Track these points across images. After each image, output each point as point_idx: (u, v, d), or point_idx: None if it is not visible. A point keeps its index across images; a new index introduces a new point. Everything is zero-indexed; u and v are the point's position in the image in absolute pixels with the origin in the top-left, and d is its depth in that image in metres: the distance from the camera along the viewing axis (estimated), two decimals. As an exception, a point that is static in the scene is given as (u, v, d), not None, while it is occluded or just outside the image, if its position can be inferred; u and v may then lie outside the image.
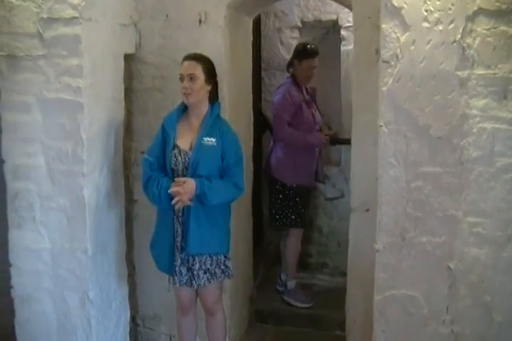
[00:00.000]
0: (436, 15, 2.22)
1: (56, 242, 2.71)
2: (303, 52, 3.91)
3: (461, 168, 2.23)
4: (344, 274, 3.12)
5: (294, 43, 4.84)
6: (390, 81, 2.31)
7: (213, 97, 2.79)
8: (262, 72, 4.80)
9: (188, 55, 2.69)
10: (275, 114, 3.87)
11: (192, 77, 2.63)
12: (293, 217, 3.87)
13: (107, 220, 2.82)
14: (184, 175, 2.64)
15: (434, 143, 2.26)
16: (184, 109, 2.77)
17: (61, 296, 2.74)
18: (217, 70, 2.96)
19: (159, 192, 2.61)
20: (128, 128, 3.14)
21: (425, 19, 2.24)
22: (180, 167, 2.65)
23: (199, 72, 2.65)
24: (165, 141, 2.70)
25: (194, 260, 2.68)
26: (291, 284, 3.89)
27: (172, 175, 2.66)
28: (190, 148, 2.67)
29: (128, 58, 3.06)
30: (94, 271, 2.72)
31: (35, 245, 2.73)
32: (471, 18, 2.18)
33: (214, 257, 2.72)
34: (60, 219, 2.68)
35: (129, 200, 3.15)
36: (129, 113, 3.13)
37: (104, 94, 2.77)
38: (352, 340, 3.07)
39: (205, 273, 2.69)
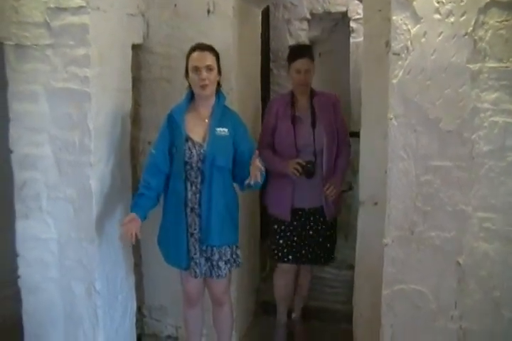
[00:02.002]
0: (448, 7, 2.19)
1: (63, 232, 2.71)
2: (288, 55, 3.23)
3: (472, 162, 2.20)
4: (351, 267, 3.12)
5: (303, 35, 4.83)
6: (401, 73, 2.28)
7: (219, 87, 2.77)
8: (271, 64, 4.78)
9: (198, 46, 2.66)
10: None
11: (209, 68, 2.61)
12: (271, 247, 3.30)
13: (114, 210, 2.82)
14: (198, 168, 2.62)
15: (444, 137, 2.23)
16: (189, 101, 2.74)
17: (68, 286, 2.75)
18: (226, 61, 2.95)
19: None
20: (135, 118, 3.13)
21: (437, 11, 2.20)
22: (195, 159, 2.62)
23: (214, 62, 2.64)
24: (172, 133, 2.68)
25: (213, 250, 2.68)
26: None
27: (185, 167, 2.63)
28: (204, 140, 2.64)
29: (136, 48, 3.05)
30: (101, 261, 2.72)
31: (42, 235, 2.74)
32: (484, 10, 2.14)
33: (232, 247, 2.74)
34: (67, 209, 2.68)
35: (136, 190, 3.14)
36: (136, 103, 3.12)
37: (111, 84, 2.76)
38: (359, 334, 3.07)
39: (226, 263, 2.70)
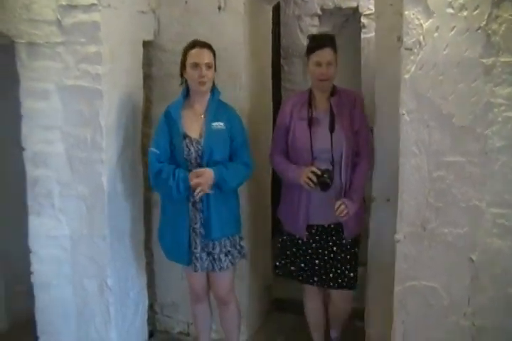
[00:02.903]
0: (460, 1, 2.16)
1: (75, 229, 2.73)
2: (308, 45, 2.80)
3: (485, 157, 2.18)
4: (363, 264, 3.10)
5: (314, 31, 4.80)
6: (413, 68, 2.26)
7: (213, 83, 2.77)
8: (282, 60, 4.76)
9: (197, 43, 2.66)
10: None
11: (209, 66, 2.63)
12: (277, 263, 2.96)
13: (126, 207, 2.83)
14: (198, 163, 2.63)
15: (457, 132, 2.21)
16: (185, 98, 2.74)
17: (80, 283, 2.77)
18: (236, 58, 2.97)
19: (177, 184, 2.58)
20: (146, 115, 3.13)
21: (449, 5, 2.18)
22: (193, 156, 2.64)
23: (212, 60, 2.66)
24: (170, 131, 2.67)
25: (214, 244, 2.69)
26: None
27: (185, 164, 2.64)
28: (200, 136, 2.65)
29: (147, 45, 3.05)
30: (113, 259, 2.74)
31: (54, 232, 2.76)
32: (497, 3, 2.11)
33: (231, 238, 2.74)
34: (79, 206, 2.70)
35: (148, 188, 3.14)
36: (147, 100, 3.12)
37: (122, 81, 2.77)
38: (371, 330, 3.05)
39: (226, 255, 2.71)
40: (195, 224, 2.67)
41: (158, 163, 2.65)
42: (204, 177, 2.55)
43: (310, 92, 2.80)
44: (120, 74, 2.74)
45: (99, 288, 2.73)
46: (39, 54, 2.66)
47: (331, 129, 2.69)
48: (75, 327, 2.82)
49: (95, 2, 2.53)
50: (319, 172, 2.58)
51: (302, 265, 2.83)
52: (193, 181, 2.55)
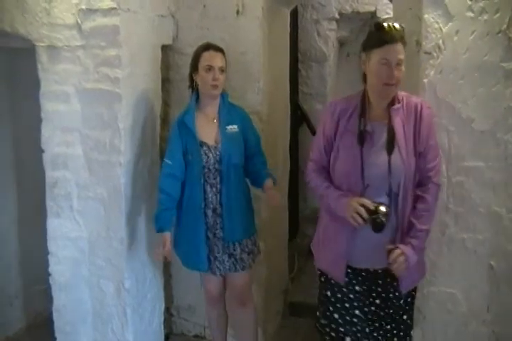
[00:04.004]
0: (481, 4, 2.16)
1: (93, 231, 2.75)
2: (370, 37, 2.08)
3: (505, 163, 2.16)
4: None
5: (332, 35, 4.79)
6: (432, 73, 2.26)
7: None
8: (299, 64, 4.76)
9: (211, 46, 2.67)
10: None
11: (222, 70, 2.63)
12: (321, 321, 2.35)
13: (144, 210, 2.84)
14: (216, 169, 2.62)
15: (477, 137, 2.20)
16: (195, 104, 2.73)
17: (97, 284, 2.78)
18: (254, 62, 2.96)
19: (156, 218, 2.65)
20: (164, 119, 3.14)
21: (469, 8, 2.18)
22: (212, 162, 2.63)
23: (225, 64, 2.67)
24: (185, 140, 2.65)
25: (235, 245, 2.69)
26: None
27: (202, 172, 2.62)
28: (217, 142, 2.65)
29: (165, 49, 3.07)
30: (130, 261, 2.74)
31: (72, 233, 2.77)
32: (518, 7, 2.10)
33: (252, 237, 2.75)
34: (97, 208, 2.71)
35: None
36: (165, 104, 3.14)
37: (141, 85, 2.78)
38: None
39: (249, 254, 2.72)
40: (216, 229, 2.66)
41: (166, 180, 2.65)
42: (276, 195, 2.64)
43: (363, 97, 2.13)
44: (139, 78, 2.76)
45: (116, 290, 2.74)
46: (59, 57, 2.68)
47: (389, 149, 2.03)
48: (92, 328, 2.83)
49: (115, 6, 2.55)
50: (372, 207, 1.96)
51: (341, 319, 2.24)
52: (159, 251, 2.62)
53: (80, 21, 2.62)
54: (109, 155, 2.64)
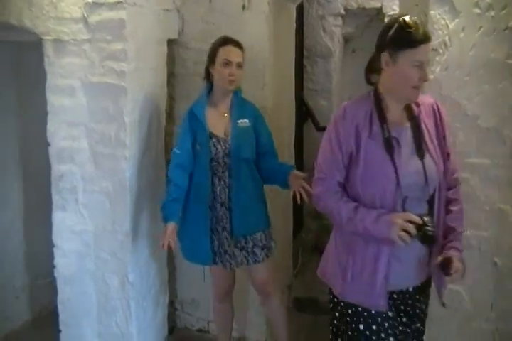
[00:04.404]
0: (487, 0, 2.15)
1: (98, 224, 2.76)
2: (403, 36, 1.79)
3: (511, 160, 2.16)
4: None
5: (337, 31, 4.78)
6: (438, 69, 2.25)
7: None
8: (304, 60, 4.75)
9: (231, 40, 2.65)
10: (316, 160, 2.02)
11: (240, 65, 2.63)
12: None
13: (149, 204, 2.85)
14: (225, 162, 2.62)
15: (482, 134, 2.19)
16: (207, 97, 2.73)
17: (102, 278, 2.79)
18: (260, 57, 2.95)
19: (163, 207, 2.63)
20: (170, 113, 3.15)
21: (476, 5, 2.17)
22: (221, 154, 2.62)
23: (243, 60, 2.65)
24: (194, 131, 2.65)
25: (247, 239, 2.68)
26: None
27: (211, 164, 2.62)
28: (226, 134, 2.65)
29: (171, 43, 3.07)
30: (135, 254, 2.76)
31: (77, 227, 2.79)
32: (526, 3, 2.10)
33: (266, 232, 2.74)
34: (102, 201, 2.72)
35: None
36: (171, 98, 3.14)
37: (147, 79, 2.79)
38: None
39: (262, 249, 2.70)
40: (226, 223, 2.65)
41: (176, 171, 2.64)
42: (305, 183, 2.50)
43: (377, 100, 1.90)
44: (144, 72, 2.76)
45: (121, 284, 2.75)
46: (65, 51, 2.68)
47: (421, 154, 1.86)
48: (96, 321, 2.85)
49: (121, 0, 2.55)
50: (420, 221, 1.75)
51: None
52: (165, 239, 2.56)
53: (86, 15, 2.62)
54: (115, 149, 2.65)
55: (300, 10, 4.43)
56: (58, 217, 2.81)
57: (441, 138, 1.91)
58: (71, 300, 2.87)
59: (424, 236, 1.74)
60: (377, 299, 1.88)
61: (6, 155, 3.37)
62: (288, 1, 3.45)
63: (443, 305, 1.97)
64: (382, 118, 1.86)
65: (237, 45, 2.66)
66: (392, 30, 1.80)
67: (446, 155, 1.92)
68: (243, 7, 3.01)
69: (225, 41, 2.66)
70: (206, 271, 2.85)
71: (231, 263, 2.70)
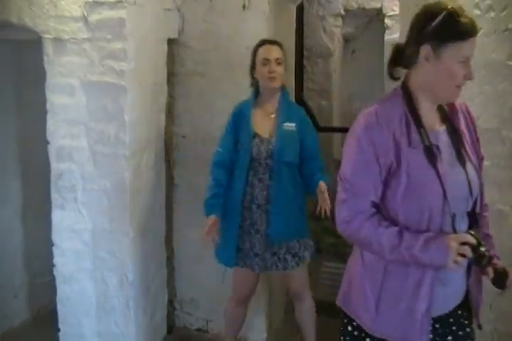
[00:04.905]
0: (488, 1, 2.15)
1: (97, 223, 2.76)
2: (450, 27, 1.53)
3: (511, 161, 2.15)
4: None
5: (337, 31, 4.80)
6: (438, 69, 2.24)
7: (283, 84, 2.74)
8: (304, 60, 4.76)
9: (267, 40, 2.68)
10: (339, 174, 1.66)
11: (279, 62, 2.62)
12: None
13: (148, 203, 2.85)
14: (267, 164, 2.59)
15: (482, 135, 2.17)
16: (255, 97, 2.73)
17: (101, 277, 2.79)
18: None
19: (206, 202, 2.62)
20: (170, 112, 3.15)
21: (476, 6, 2.17)
22: (263, 156, 2.60)
23: (282, 57, 2.65)
24: (237, 130, 2.65)
25: (281, 244, 2.65)
26: None
27: (251, 165, 2.60)
28: (271, 135, 2.62)
29: (171, 42, 3.07)
30: (134, 253, 2.75)
31: (76, 226, 2.79)
32: (526, 4, 2.10)
33: (301, 241, 2.71)
34: (102, 200, 2.72)
35: (170, 184, 3.17)
36: (171, 97, 3.14)
37: (146, 78, 2.79)
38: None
39: (293, 257, 2.68)
40: (261, 226, 2.62)
41: (216, 168, 2.65)
42: (326, 197, 2.48)
43: (409, 101, 1.61)
44: (144, 71, 2.76)
45: (120, 283, 2.75)
46: (65, 50, 2.69)
47: (462, 162, 1.61)
48: (96, 321, 2.85)
49: (121, -1, 2.56)
50: (475, 242, 1.50)
51: None
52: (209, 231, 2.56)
53: (86, 14, 2.63)
54: (114, 148, 2.65)
55: (300, 10, 4.43)
56: (57, 216, 2.81)
57: (475, 141, 1.70)
58: (70, 299, 2.87)
59: (479, 257, 1.51)
60: (417, 335, 1.59)
61: (5, 153, 3.37)
62: (288, 1, 3.45)
63: (479, 327, 1.72)
64: (419, 123, 1.58)
65: (274, 42, 2.67)
66: (438, 20, 1.51)
67: (480, 160, 1.70)
68: (243, 7, 3.01)
69: (262, 42, 2.67)
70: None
71: (260, 266, 2.67)
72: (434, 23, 1.52)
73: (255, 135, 2.61)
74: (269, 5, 3.00)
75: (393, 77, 1.70)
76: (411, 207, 1.55)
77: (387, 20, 4.55)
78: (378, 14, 4.70)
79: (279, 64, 2.61)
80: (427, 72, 1.58)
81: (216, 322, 3.27)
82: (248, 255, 2.65)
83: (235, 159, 2.63)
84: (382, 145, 1.55)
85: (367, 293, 1.65)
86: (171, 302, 3.30)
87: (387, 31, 4.56)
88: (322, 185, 2.50)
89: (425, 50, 1.54)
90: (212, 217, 2.57)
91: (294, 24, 3.71)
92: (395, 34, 3.98)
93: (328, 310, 3.49)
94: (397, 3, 3.95)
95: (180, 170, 3.19)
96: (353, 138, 1.61)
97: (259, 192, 2.60)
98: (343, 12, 4.74)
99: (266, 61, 2.60)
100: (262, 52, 2.63)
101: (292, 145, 2.61)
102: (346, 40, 5.12)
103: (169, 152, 3.17)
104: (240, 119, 2.65)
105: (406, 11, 2.86)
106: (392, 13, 4.45)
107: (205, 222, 2.57)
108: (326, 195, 2.48)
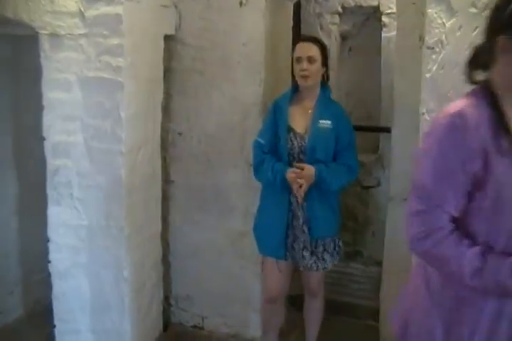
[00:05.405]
0: (484, 0, 2.15)
1: (93, 219, 2.76)
2: None
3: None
4: (378, 264, 3.10)
5: (334, 29, 4.79)
6: (434, 68, 2.25)
7: (325, 80, 2.75)
8: (301, 58, 4.75)
9: (303, 37, 2.70)
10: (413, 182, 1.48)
11: (311, 60, 2.61)
12: None
13: (144, 200, 2.85)
14: (300, 159, 2.60)
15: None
16: (294, 92, 2.73)
17: (96, 273, 2.79)
18: (256, 54, 2.95)
19: (275, 177, 2.57)
20: (166, 109, 3.14)
21: (473, 4, 2.16)
22: (296, 151, 2.60)
23: (317, 54, 2.63)
24: (276, 123, 2.67)
25: (317, 243, 2.65)
26: None
27: (288, 159, 2.61)
28: (306, 132, 2.62)
29: (168, 39, 3.06)
30: (130, 250, 2.75)
31: (72, 222, 2.79)
32: (523, 3, 2.10)
33: (335, 238, 2.72)
34: (97, 196, 2.72)
35: (166, 181, 3.17)
36: (167, 94, 3.14)
37: (143, 74, 2.78)
38: (385, 330, 3.04)
39: (331, 256, 2.69)
40: (298, 221, 2.62)
41: (262, 154, 2.66)
42: (303, 174, 2.51)
43: (493, 100, 1.41)
44: (141, 67, 2.76)
45: (115, 279, 2.75)
46: (62, 45, 2.68)
47: None
48: (91, 317, 2.85)
49: (118, -5, 2.55)
50: None
51: None
52: (290, 175, 2.51)
53: (83, 9, 2.62)
54: (110, 144, 2.65)
55: (297, 7, 4.43)
56: (53, 212, 2.81)
57: None
58: (66, 295, 2.87)
59: None
60: None
61: (1, 149, 3.36)
62: (285, -2, 3.45)
63: None
64: (505, 125, 1.37)
65: (309, 40, 2.68)
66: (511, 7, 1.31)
67: None
68: (240, 4, 3.01)
69: (299, 39, 2.70)
70: (204, 266, 2.83)
71: (299, 264, 2.68)
72: (507, 12, 1.33)
73: (290, 129, 2.62)
74: (266, 2, 3.00)
75: (473, 80, 1.50)
76: (497, 225, 1.35)
77: (384, 18, 4.54)
78: (375, 12, 4.69)
79: (312, 61, 2.60)
80: (505, 68, 1.38)
81: (212, 318, 3.28)
82: (292, 249, 2.65)
83: (275, 152, 2.65)
84: (468, 152, 1.34)
85: (433, 325, 1.43)
86: (166, 298, 3.30)
87: (384, 29, 4.55)
88: (308, 168, 2.50)
89: (501, 41, 1.35)
90: (288, 170, 2.53)
91: (291, 21, 3.70)
92: (392, 32, 3.97)
93: (328, 307, 3.53)
94: (394, 0, 3.94)
95: (177, 166, 3.19)
96: (433, 141, 1.40)
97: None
98: (340, 10, 4.73)
99: (298, 58, 2.61)
100: (296, 49, 2.65)
101: (326, 142, 2.60)
102: (343, 37, 5.10)
103: (165, 148, 3.17)
104: (279, 112, 2.67)
105: (403, 8, 2.86)
106: (389, 10, 4.44)
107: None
108: (305, 179, 2.49)
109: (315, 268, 2.68)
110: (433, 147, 1.40)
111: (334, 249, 2.72)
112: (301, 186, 2.52)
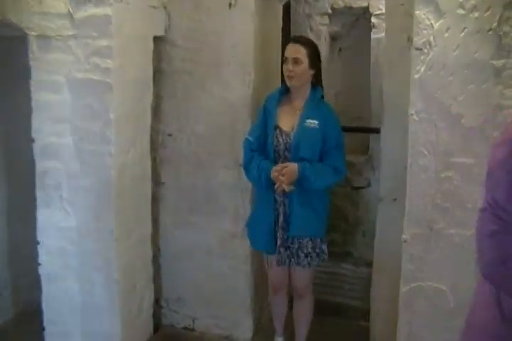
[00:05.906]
0: (472, 1, 2.16)
1: (82, 222, 2.75)
2: None
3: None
4: (368, 265, 3.10)
5: (324, 30, 4.81)
6: (422, 69, 2.26)
7: (316, 81, 2.77)
8: (291, 59, 4.75)
9: (293, 38, 2.72)
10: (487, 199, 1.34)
11: (296, 61, 2.63)
12: None
13: (134, 201, 2.85)
14: (286, 157, 2.65)
15: (466, 133, 2.21)
16: (285, 91, 2.77)
17: (86, 275, 2.78)
18: (246, 55, 2.95)
19: (259, 175, 2.64)
20: (156, 110, 3.14)
21: (461, 6, 2.18)
22: (282, 148, 2.66)
23: (303, 56, 2.64)
24: (266, 121, 2.72)
25: (293, 240, 2.70)
26: None
27: (274, 156, 2.66)
28: (292, 130, 2.66)
29: (157, 40, 3.05)
30: (119, 252, 2.75)
31: (62, 224, 2.77)
32: (509, 5, 2.12)
33: (313, 239, 2.73)
34: (87, 198, 2.71)
35: (156, 182, 3.16)
36: (157, 95, 3.13)
37: (132, 76, 2.77)
38: (375, 330, 3.05)
39: (306, 256, 2.71)
40: (279, 217, 2.69)
41: (250, 152, 2.71)
42: (286, 171, 2.55)
43: None
44: (130, 69, 2.75)
45: (106, 281, 2.74)
46: (50, 47, 2.66)
47: None
48: (81, 319, 2.84)
49: (107, -4, 2.54)
50: None
51: None
52: (274, 174, 2.56)
53: (71, 11, 2.61)
54: (100, 146, 2.64)
55: (287, 8, 4.44)
56: (42, 214, 2.79)
57: None
58: (55, 298, 2.86)
59: None
60: None
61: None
62: (275, 0, 3.45)
63: None
64: None
65: (298, 41, 2.69)
66: None
67: None
68: (230, 5, 3.01)
69: (289, 40, 2.73)
70: (194, 267, 2.86)
71: (279, 259, 2.73)
72: None
73: (276, 127, 2.67)
74: (256, 3, 3.00)
75: None
76: None
77: (373, 19, 4.56)
78: (365, 13, 4.71)
79: (296, 63, 2.63)
80: None
81: (203, 320, 3.28)
82: (279, 244, 2.71)
83: (263, 149, 2.70)
84: None
85: None
86: (157, 300, 3.29)
87: (373, 30, 4.57)
88: (291, 165, 2.55)
89: None
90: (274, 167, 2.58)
91: (281, 22, 3.70)
92: (382, 33, 3.98)
93: (319, 308, 3.53)
94: (384, 1, 3.96)
95: (167, 167, 3.18)
96: (509, 151, 1.25)
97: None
98: (329, 11, 4.75)
99: (285, 59, 2.66)
100: (285, 50, 2.69)
101: (311, 141, 2.63)
102: (333, 38, 5.12)
103: (155, 150, 3.17)
104: (268, 111, 2.72)
105: (392, 9, 2.87)
106: (378, 12, 4.46)
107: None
108: (286, 176, 2.53)
109: (287, 263, 2.73)
110: (509, 159, 1.24)
111: (314, 250, 2.73)
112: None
